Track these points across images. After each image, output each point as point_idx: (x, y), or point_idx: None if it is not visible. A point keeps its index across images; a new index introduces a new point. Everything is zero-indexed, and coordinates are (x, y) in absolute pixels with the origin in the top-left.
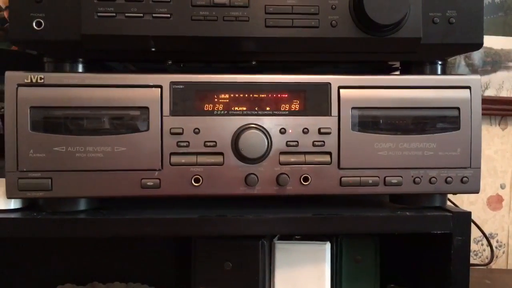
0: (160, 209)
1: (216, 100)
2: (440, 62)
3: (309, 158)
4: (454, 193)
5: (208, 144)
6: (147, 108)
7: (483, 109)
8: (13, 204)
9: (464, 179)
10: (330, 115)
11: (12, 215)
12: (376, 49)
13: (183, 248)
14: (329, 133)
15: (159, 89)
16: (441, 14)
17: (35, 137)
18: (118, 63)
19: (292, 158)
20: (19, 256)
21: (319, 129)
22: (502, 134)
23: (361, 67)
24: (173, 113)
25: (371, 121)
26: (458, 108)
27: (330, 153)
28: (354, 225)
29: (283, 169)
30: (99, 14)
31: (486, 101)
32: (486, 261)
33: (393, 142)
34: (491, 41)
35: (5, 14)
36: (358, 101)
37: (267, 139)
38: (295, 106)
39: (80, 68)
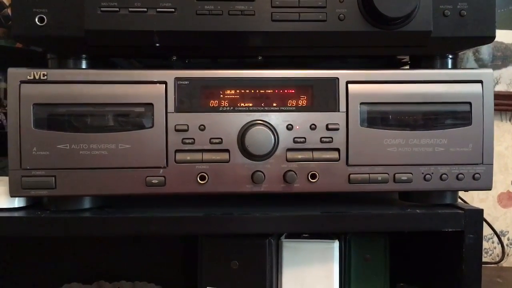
0: (165, 207)
1: (221, 96)
2: (450, 56)
3: (317, 154)
4: (466, 190)
5: (214, 141)
6: (151, 104)
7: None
8: (17, 202)
9: (476, 175)
10: (338, 111)
11: (16, 214)
12: (385, 43)
13: (189, 246)
14: (337, 129)
15: (164, 85)
16: (452, 6)
17: (39, 135)
18: (122, 59)
19: (300, 155)
20: (25, 255)
21: (327, 125)
22: None
23: (370, 62)
24: (178, 109)
25: (380, 116)
26: (470, 103)
27: (338, 150)
28: (363, 223)
29: (290, 166)
30: (102, 9)
31: (496, 96)
32: (497, 259)
33: (402, 138)
34: (501, 35)
35: (9, 11)
36: (367, 96)
37: (274, 135)
38: (302, 101)
39: (84, 64)
